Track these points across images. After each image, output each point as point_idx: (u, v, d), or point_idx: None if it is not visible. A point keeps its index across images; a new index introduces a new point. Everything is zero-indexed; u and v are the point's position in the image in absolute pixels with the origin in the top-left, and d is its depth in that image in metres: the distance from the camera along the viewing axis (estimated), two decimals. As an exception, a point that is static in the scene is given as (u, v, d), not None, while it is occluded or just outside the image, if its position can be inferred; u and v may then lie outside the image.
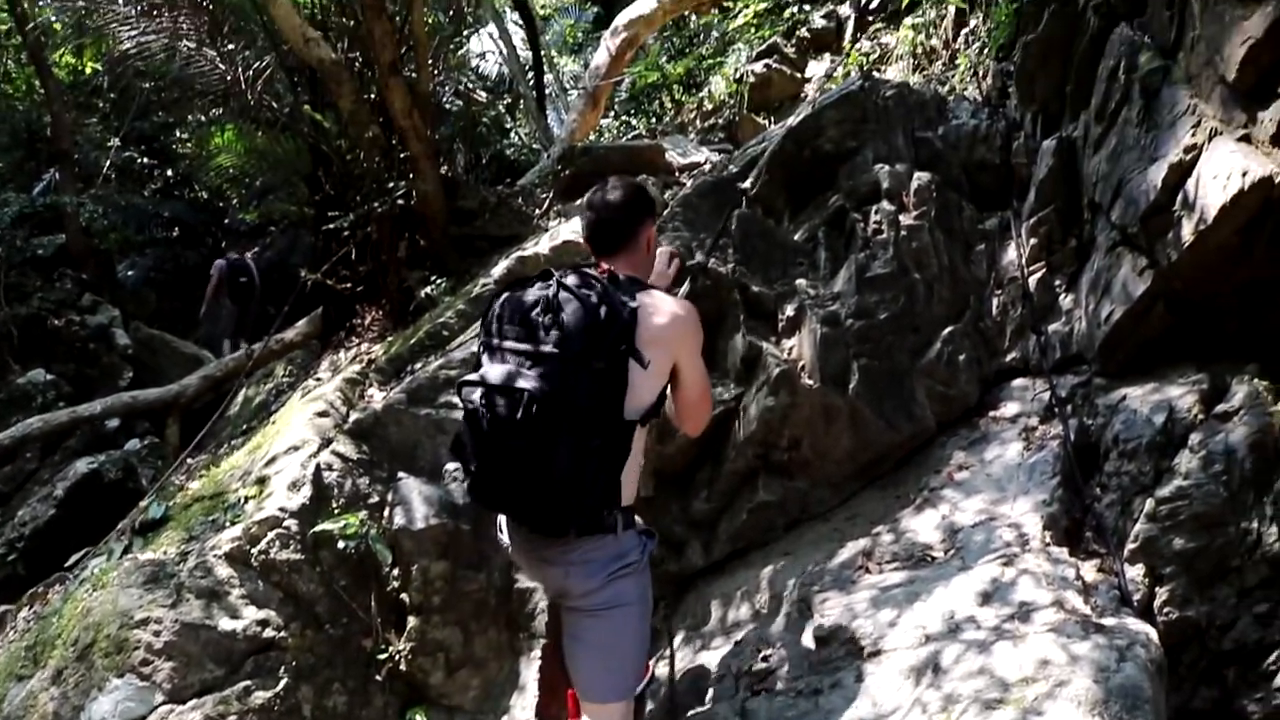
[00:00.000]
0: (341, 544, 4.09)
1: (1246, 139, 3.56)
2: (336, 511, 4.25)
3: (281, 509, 4.20)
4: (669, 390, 3.12)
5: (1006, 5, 5.65)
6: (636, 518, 3.13)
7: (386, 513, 4.32)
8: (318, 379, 6.50)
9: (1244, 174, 3.47)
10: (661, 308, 3.04)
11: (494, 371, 2.88)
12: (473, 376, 2.93)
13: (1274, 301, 3.68)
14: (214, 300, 11.83)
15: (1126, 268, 4.01)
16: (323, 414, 4.78)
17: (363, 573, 4.20)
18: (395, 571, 4.24)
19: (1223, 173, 3.55)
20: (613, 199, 3.19)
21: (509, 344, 2.92)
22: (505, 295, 3.05)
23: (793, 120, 4.93)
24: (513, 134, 11.35)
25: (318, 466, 4.35)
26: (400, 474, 4.45)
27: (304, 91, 7.87)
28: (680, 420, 3.26)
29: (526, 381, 2.79)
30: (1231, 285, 3.80)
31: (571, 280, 2.94)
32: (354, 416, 4.71)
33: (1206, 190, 3.61)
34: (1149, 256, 3.89)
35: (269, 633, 3.93)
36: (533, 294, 2.96)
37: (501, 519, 3.22)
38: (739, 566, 4.13)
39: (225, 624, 3.88)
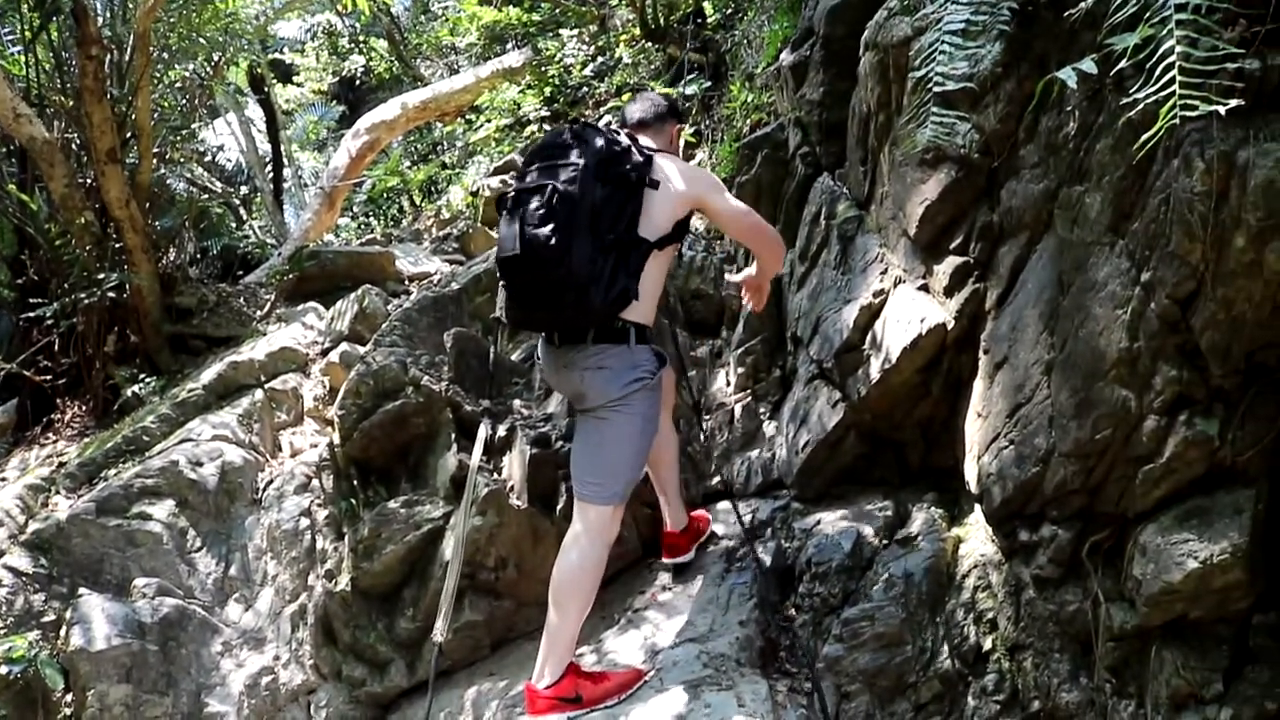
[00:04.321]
0: (5, 669, 3.75)
1: (925, 288, 3.89)
2: (2, 631, 3.90)
3: (-65, 629, 3.82)
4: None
5: (730, 143, 5.99)
6: (649, 339, 3.64)
7: (63, 632, 4.00)
8: (2, 479, 6.00)
9: (922, 320, 3.79)
10: (678, 163, 3.75)
11: (523, 183, 3.47)
12: (506, 194, 3.54)
13: (949, 436, 3.99)
14: None
15: (823, 400, 4.27)
16: (-4, 523, 4.42)
17: (28, 699, 3.86)
18: (69, 697, 3.91)
19: (905, 318, 3.86)
20: (651, 95, 4.05)
21: (535, 167, 3.52)
22: (533, 146, 3.73)
23: (516, 242, 5.03)
24: (247, 227, 11.01)
25: (-16, 582, 4.01)
26: (82, 590, 4.14)
27: (12, 167, 7.39)
28: (757, 256, 3.96)
29: (550, 179, 3.40)
30: (914, 420, 4.10)
31: (598, 126, 3.62)
32: (33, 526, 4.37)
33: (891, 333, 3.91)
34: (842, 390, 4.16)
35: (-96, 770, 3.54)
36: (559, 133, 3.64)
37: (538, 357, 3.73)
38: (444, 687, 4.05)
39: None
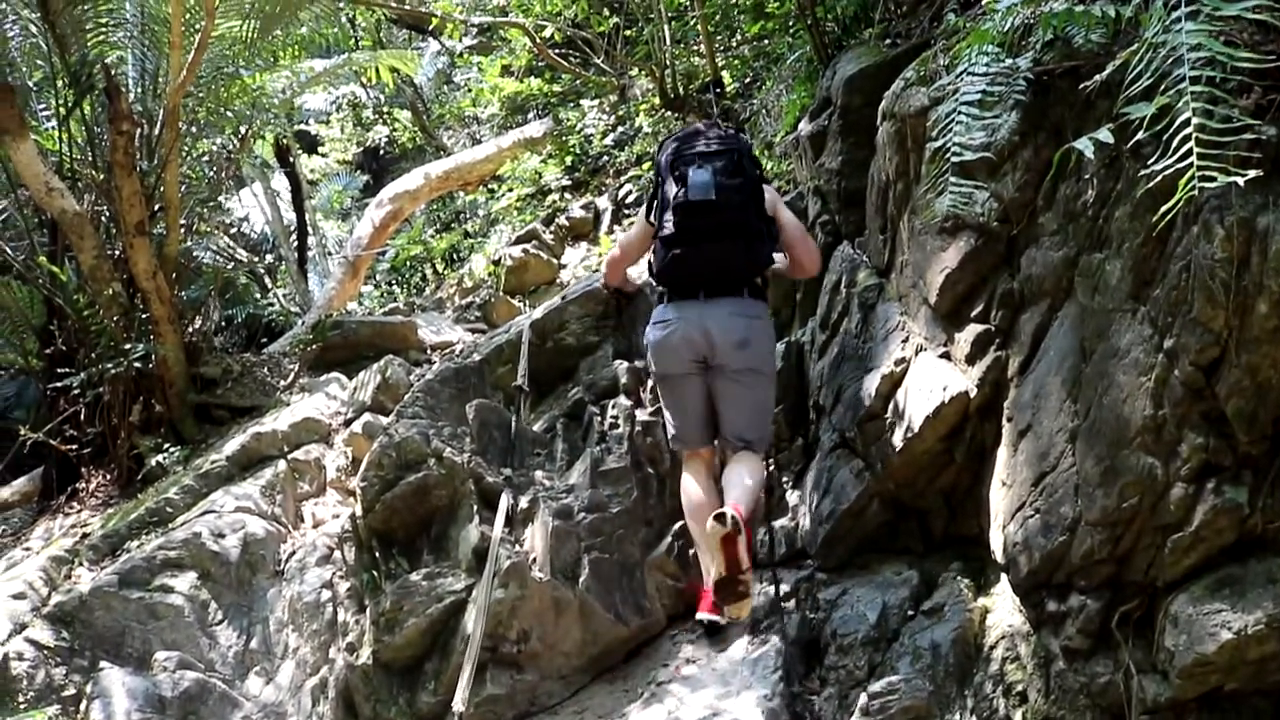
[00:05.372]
0: (25, 744, 3.74)
1: (947, 356, 3.89)
2: (23, 706, 3.88)
3: (-50, 705, 3.80)
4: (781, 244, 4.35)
5: (749, 211, 6.01)
6: None
7: (83, 706, 3.98)
8: (27, 549, 6.01)
9: (944, 388, 3.77)
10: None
11: (703, 148, 4.16)
12: (689, 153, 4.16)
13: (974, 504, 3.95)
14: None
15: (845, 468, 4.24)
16: (19, 595, 4.40)
17: (48, 775, 3.83)
18: (87, 774, 3.88)
19: (927, 386, 3.84)
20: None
21: (703, 140, 4.21)
22: (675, 140, 4.33)
23: (537, 313, 5.07)
24: (271, 295, 11.12)
25: (5, 655, 3.99)
26: (103, 663, 4.12)
27: (43, 239, 7.50)
28: (796, 262, 4.42)
29: (728, 146, 4.17)
30: (937, 488, 4.07)
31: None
32: (56, 599, 4.36)
33: (914, 401, 3.89)
34: (865, 459, 4.14)
35: None
36: (710, 124, 4.44)
37: (669, 317, 4.19)
38: (466, 763, 3.99)
39: None
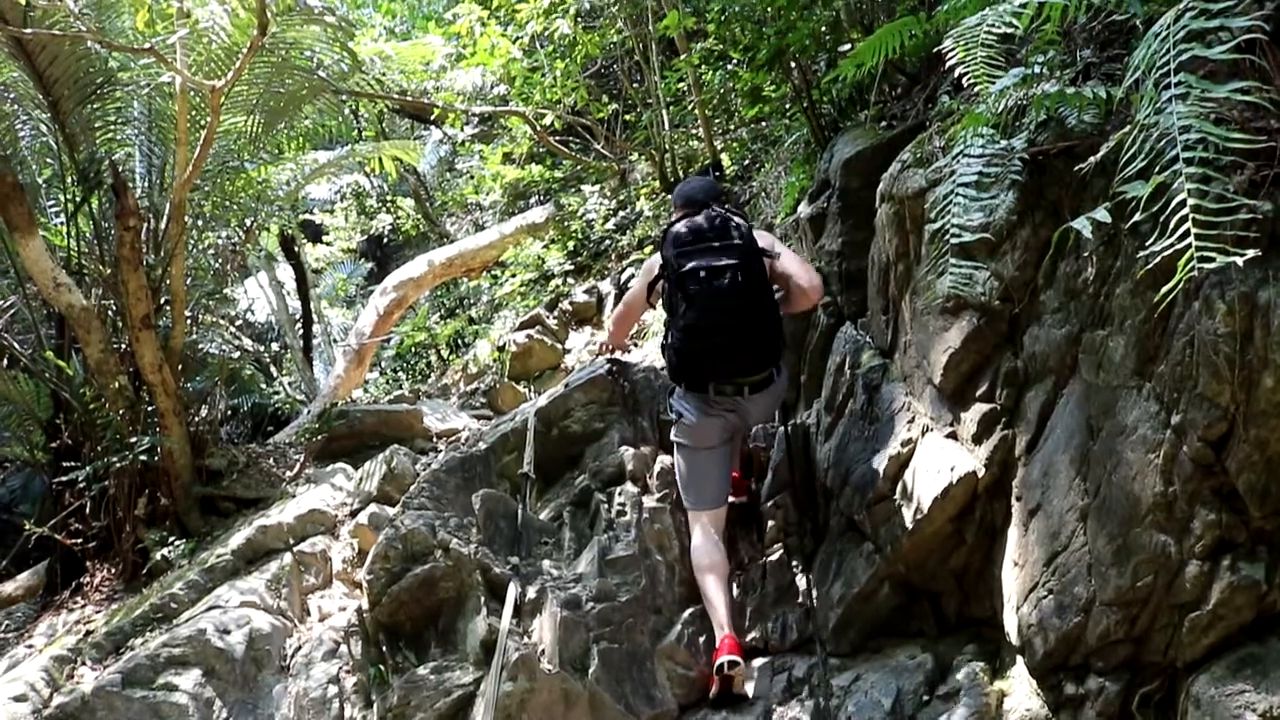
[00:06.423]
0: None
1: (954, 436, 3.87)
2: (23, 815, 3.80)
3: (-54, 819, 3.71)
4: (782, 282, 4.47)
5: (751, 293, 6.03)
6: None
7: (86, 812, 3.90)
8: (30, 645, 5.94)
9: (952, 468, 3.76)
10: (757, 231, 4.48)
11: (704, 261, 4.21)
12: (691, 267, 4.22)
13: (986, 585, 3.91)
14: None
15: (855, 552, 4.21)
16: (19, 698, 4.33)
17: None
18: None
19: (934, 467, 3.82)
20: (705, 179, 4.70)
21: (703, 246, 4.26)
22: (677, 228, 4.37)
23: (543, 400, 5.07)
24: (277, 383, 11.12)
25: (6, 761, 3.92)
26: (105, 766, 4.05)
27: (50, 333, 7.53)
28: (799, 296, 4.47)
29: (729, 258, 4.21)
30: (948, 570, 4.02)
31: (720, 209, 4.42)
32: (58, 700, 4.28)
33: (921, 482, 3.87)
34: (874, 542, 4.10)
35: None
36: (703, 217, 4.37)
37: (707, 407, 4.40)
38: None
39: None
